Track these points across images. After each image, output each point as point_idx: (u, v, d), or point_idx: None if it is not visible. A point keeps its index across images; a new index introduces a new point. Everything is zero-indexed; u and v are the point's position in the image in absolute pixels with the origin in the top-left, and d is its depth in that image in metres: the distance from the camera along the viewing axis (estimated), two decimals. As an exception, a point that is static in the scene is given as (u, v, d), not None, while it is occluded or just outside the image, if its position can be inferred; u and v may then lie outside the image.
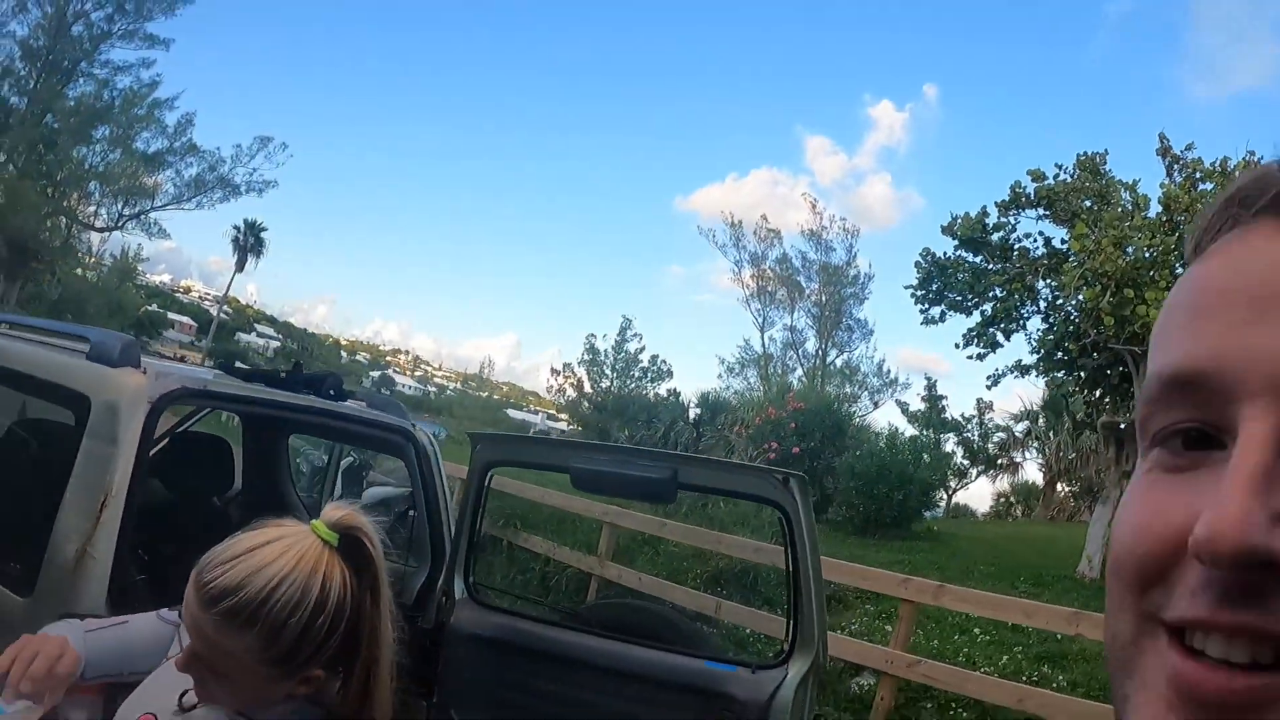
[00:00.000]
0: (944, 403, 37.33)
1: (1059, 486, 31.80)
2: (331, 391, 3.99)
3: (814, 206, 48.23)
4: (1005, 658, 9.14)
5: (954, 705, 7.72)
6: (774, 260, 48.31)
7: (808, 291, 47.97)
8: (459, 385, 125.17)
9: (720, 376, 47.59)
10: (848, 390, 45.45)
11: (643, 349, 37.60)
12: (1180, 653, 0.47)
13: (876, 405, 45.75)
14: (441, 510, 4.25)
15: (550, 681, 3.73)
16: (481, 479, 4.02)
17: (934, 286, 18.14)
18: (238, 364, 4.44)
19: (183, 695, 1.59)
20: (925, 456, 21.09)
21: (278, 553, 1.47)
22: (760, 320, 48.56)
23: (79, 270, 52.75)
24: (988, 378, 18.33)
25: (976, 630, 10.13)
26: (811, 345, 48.55)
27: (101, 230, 50.34)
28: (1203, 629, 0.46)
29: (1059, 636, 9.58)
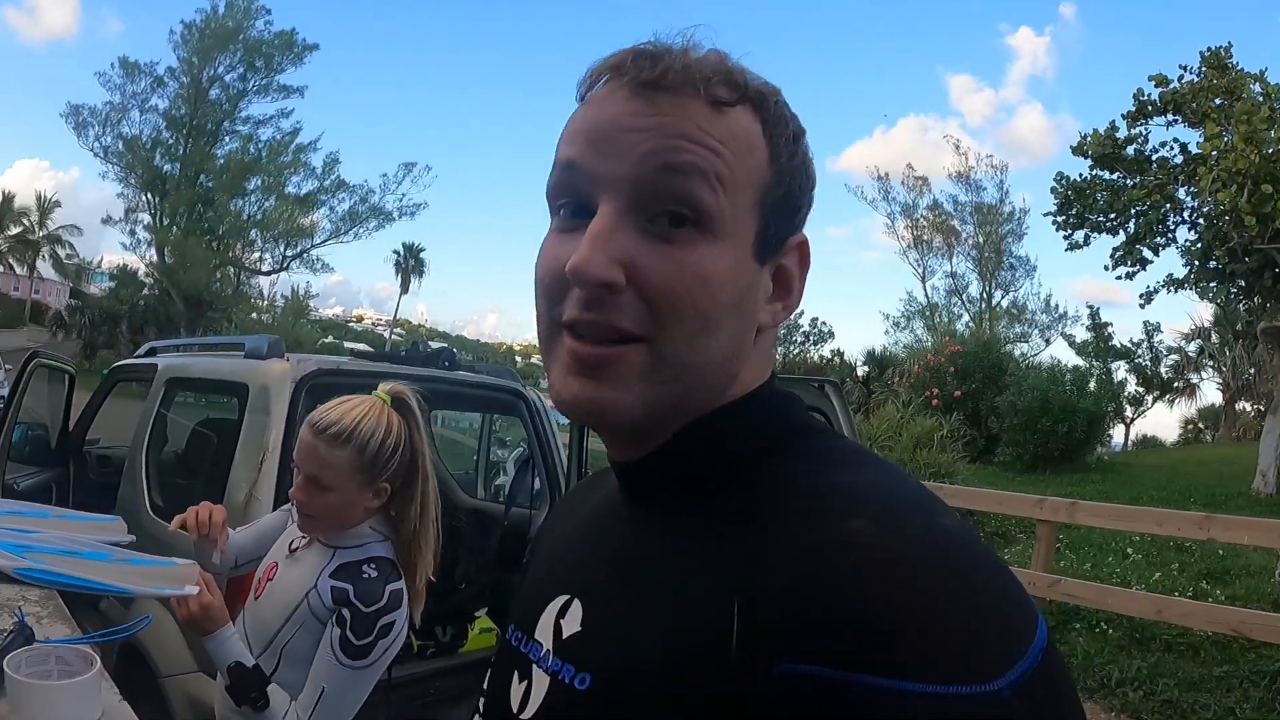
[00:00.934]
0: (1110, 330, 35.95)
1: (1241, 404, 30.46)
2: (446, 362, 4.71)
3: (958, 147, 47.46)
4: (1158, 574, 9.18)
5: (1102, 623, 7.71)
6: (925, 208, 47.58)
7: (964, 235, 47.11)
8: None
9: (887, 332, 47.00)
10: (1017, 330, 44.72)
11: (802, 313, 37.56)
12: (571, 337, 0.81)
13: (1048, 342, 44.91)
14: (554, 457, 4.84)
15: None
16: (583, 426, 4.60)
17: (1073, 211, 17.48)
18: (364, 348, 5.21)
19: (291, 544, 2.31)
20: (1090, 386, 20.47)
21: (359, 402, 2.22)
22: (921, 270, 47.97)
23: (254, 314, 55.22)
24: (1140, 296, 17.85)
25: (1129, 550, 10.17)
26: (975, 289, 47.68)
27: (269, 273, 53.26)
28: (578, 324, 0.80)
29: (1220, 553, 9.62)
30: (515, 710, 0.93)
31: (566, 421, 5.18)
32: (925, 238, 47.35)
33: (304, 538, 2.30)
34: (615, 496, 0.97)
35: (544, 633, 0.93)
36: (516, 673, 0.96)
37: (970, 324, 44.46)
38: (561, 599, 0.93)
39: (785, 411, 0.91)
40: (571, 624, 0.90)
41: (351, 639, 2.05)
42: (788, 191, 0.86)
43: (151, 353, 5.75)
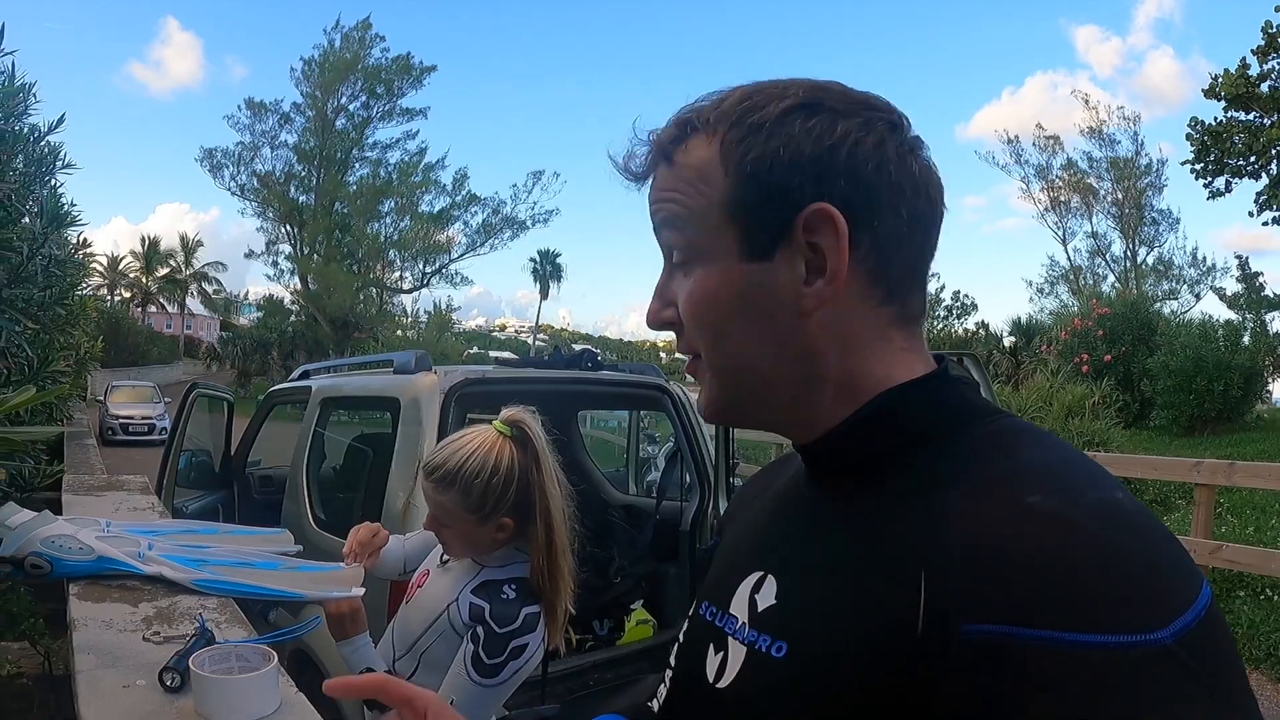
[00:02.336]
0: (1261, 279, 34.15)
1: None
2: (589, 363, 4.74)
3: (1086, 101, 45.89)
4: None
5: (1267, 590, 7.53)
6: (1059, 168, 46.23)
7: (1102, 193, 45.69)
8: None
9: (1031, 299, 45.87)
10: (1164, 287, 43.09)
11: (943, 287, 37.00)
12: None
13: (1198, 297, 42.94)
14: (702, 449, 4.86)
15: None
16: None
17: (1211, 157, 16.86)
18: (509, 355, 5.34)
19: (443, 555, 2.37)
20: (1244, 340, 19.58)
21: (467, 440, 2.22)
22: (1060, 233, 46.72)
23: (399, 332, 56.59)
24: (1287, 238, 16.97)
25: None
26: (1118, 248, 46.17)
27: (410, 291, 54.49)
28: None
29: None
30: (712, 680, 0.99)
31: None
32: (1062, 199, 46.03)
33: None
34: (801, 476, 1.03)
35: (739, 607, 0.99)
36: (712, 645, 1.01)
37: (1116, 284, 43.06)
38: (755, 575, 0.99)
39: (956, 396, 0.93)
40: (766, 598, 0.96)
41: (483, 657, 2.08)
42: (761, 186, 0.88)
43: (305, 376, 5.98)
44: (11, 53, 3.53)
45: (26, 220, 3.53)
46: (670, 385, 5.01)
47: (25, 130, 3.94)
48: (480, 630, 2.09)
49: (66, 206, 4.20)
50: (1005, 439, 0.85)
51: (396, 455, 3.98)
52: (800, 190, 0.87)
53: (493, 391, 4.11)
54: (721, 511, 4.66)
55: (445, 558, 2.34)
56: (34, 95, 3.87)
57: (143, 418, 26.64)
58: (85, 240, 6.10)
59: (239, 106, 52.43)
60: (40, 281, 4.24)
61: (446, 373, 4.18)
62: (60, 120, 4.11)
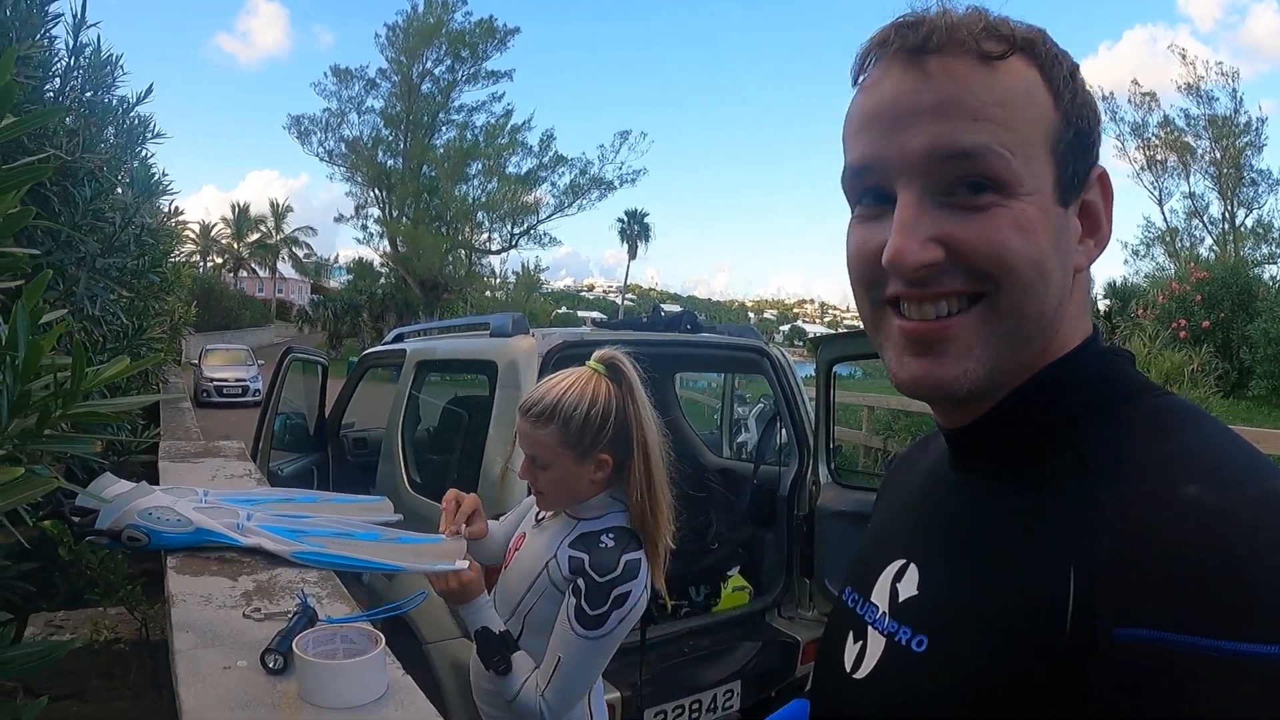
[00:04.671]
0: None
1: None
2: (688, 325, 4.68)
3: (1184, 57, 44.29)
4: None
5: None
6: (1155, 126, 44.50)
7: (1199, 152, 43.69)
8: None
9: (1126, 262, 44.70)
10: (1264, 251, 41.25)
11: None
12: (897, 316, 0.85)
13: (1302, 260, 41.12)
14: (801, 412, 4.76)
15: None
16: (828, 376, 4.60)
17: None
18: (598, 315, 5.26)
19: (538, 514, 2.34)
20: (1349, 301, 18.48)
21: (563, 378, 2.21)
22: (1157, 193, 44.92)
23: (488, 293, 57.12)
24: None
25: None
26: (1216, 209, 44.20)
27: (498, 252, 54.65)
28: (905, 299, 0.84)
29: None
30: (849, 669, 0.96)
31: (810, 374, 5.10)
32: (1159, 158, 44.52)
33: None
34: (944, 461, 0.98)
35: (880, 595, 0.96)
36: (851, 633, 0.99)
37: (1214, 247, 41.52)
38: (897, 563, 0.96)
39: (1112, 370, 0.89)
40: (908, 587, 0.92)
41: (586, 609, 2.03)
42: (1077, 131, 0.85)
43: (399, 339, 5.93)
44: (96, 24, 3.53)
45: (120, 191, 3.53)
46: (769, 347, 4.89)
47: (114, 102, 3.99)
48: (581, 582, 2.05)
49: (157, 176, 4.25)
50: (1160, 419, 0.81)
51: (494, 420, 3.93)
52: (1095, 151, 0.87)
53: (591, 354, 4.09)
54: (821, 477, 4.58)
55: (541, 515, 2.32)
56: (121, 67, 3.91)
57: (236, 380, 27.11)
58: (177, 209, 6.19)
59: (325, 74, 53.42)
60: (133, 250, 4.27)
61: (544, 335, 4.12)
62: (148, 91, 4.14)
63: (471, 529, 2.29)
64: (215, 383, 26.83)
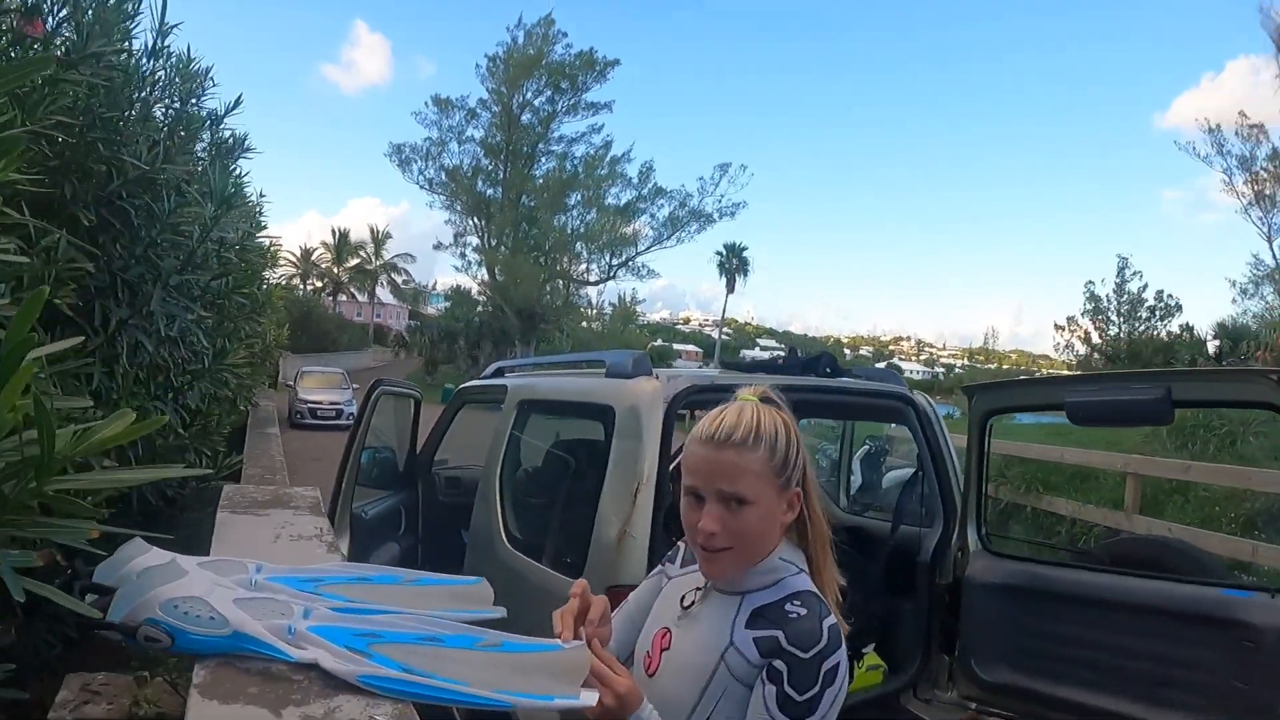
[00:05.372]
0: None
1: None
2: (827, 369, 4.22)
3: (1287, 85, 42.54)
4: None
5: None
6: (1264, 159, 42.74)
7: (1311, 185, 42.06)
8: (965, 361, 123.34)
9: (1234, 301, 43.27)
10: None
11: (1145, 286, 34.76)
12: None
13: None
14: (949, 468, 4.27)
15: (1063, 622, 3.80)
16: (982, 429, 4.10)
17: None
18: (693, 349, 4.77)
19: (683, 601, 1.89)
20: None
21: (735, 407, 1.83)
22: (1265, 229, 42.98)
23: (584, 323, 57.60)
24: None
25: None
26: (1331, 244, 42.48)
27: (596, 284, 55.19)
28: None
29: None
30: None
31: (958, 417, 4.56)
32: (1267, 192, 42.82)
33: (696, 591, 1.89)
34: None
35: None
36: None
37: (1331, 285, 39.77)
38: None
39: None
40: None
41: (793, 695, 1.63)
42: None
43: (499, 373, 5.51)
44: (176, 25, 3.46)
45: (209, 206, 3.56)
46: (915, 395, 4.38)
47: (204, 114, 4.00)
48: (780, 664, 1.66)
49: (249, 194, 4.10)
50: None
51: (610, 475, 3.44)
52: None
53: (723, 400, 3.57)
54: (970, 537, 4.06)
55: (688, 603, 1.89)
56: (212, 79, 3.96)
57: (330, 403, 27.44)
58: (261, 223, 5.98)
59: (426, 103, 54.60)
60: (214, 267, 3.98)
61: (670, 378, 3.64)
62: (237, 101, 4.12)
63: (598, 631, 1.81)
64: (310, 405, 27.18)
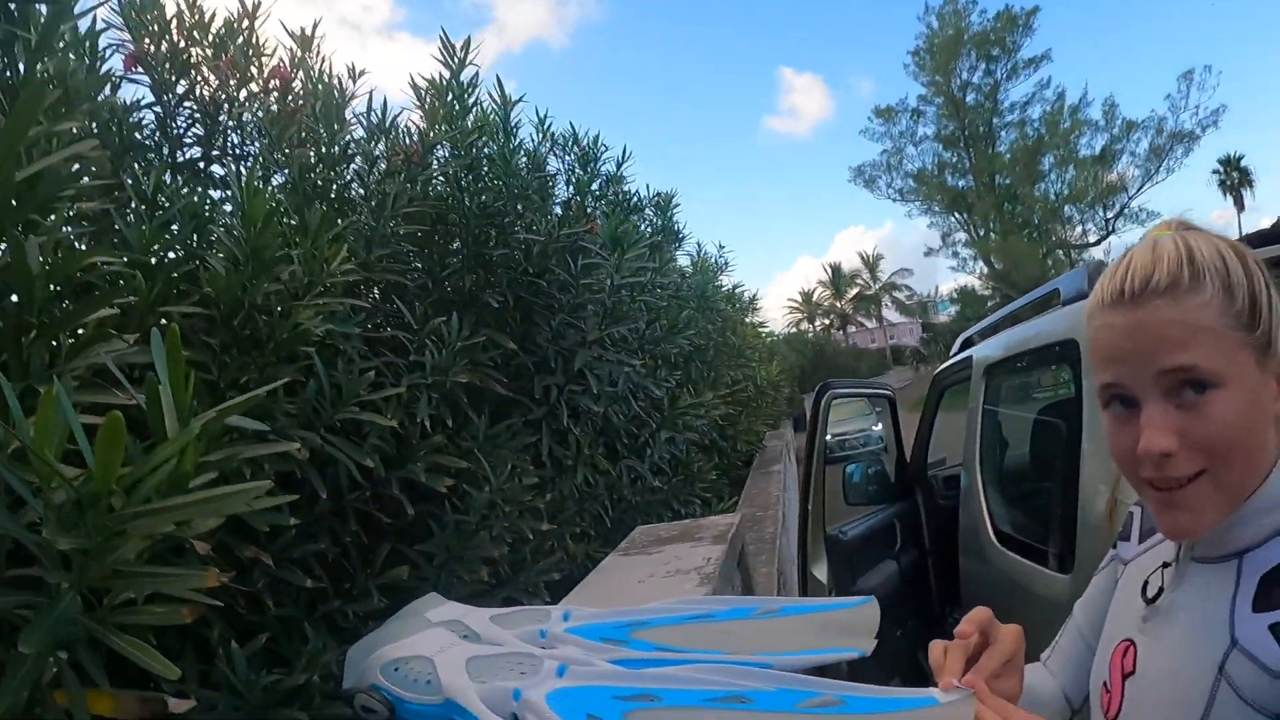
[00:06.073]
0: None
1: None
2: None
3: None
4: None
5: None
6: None
7: None
8: None
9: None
10: None
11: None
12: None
13: None
14: None
15: None
16: None
17: None
18: None
19: (1145, 593, 1.20)
20: None
21: (1153, 239, 1.11)
22: None
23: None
24: None
25: None
26: None
27: (1097, 243, 51.99)
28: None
29: None
30: None
31: None
32: None
33: (1164, 569, 1.20)
34: None
35: None
36: None
37: None
38: None
39: None
40: None
41: None
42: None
43: (966, 345, 4.87)
44: (520, 99, 3.76)
45: (613, 257, 3.68)
46: None
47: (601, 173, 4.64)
48: None
49: (708, 252, 4.66)
50: None
51: (1086, 427, 2.73)
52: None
53: None
54: None
55: (1151, 594, 1.18)
56: (603, 144, 4.57)
57: (857, 431, 27.38)
58: (724, 261, 6.13)
59: (869, 118, 54.81)
60: (641, 313, 3.96)
61: None
62: (625, 153, 4.83)
63: (997, 683, 1.11)
64: (836, 437, 27.18)
